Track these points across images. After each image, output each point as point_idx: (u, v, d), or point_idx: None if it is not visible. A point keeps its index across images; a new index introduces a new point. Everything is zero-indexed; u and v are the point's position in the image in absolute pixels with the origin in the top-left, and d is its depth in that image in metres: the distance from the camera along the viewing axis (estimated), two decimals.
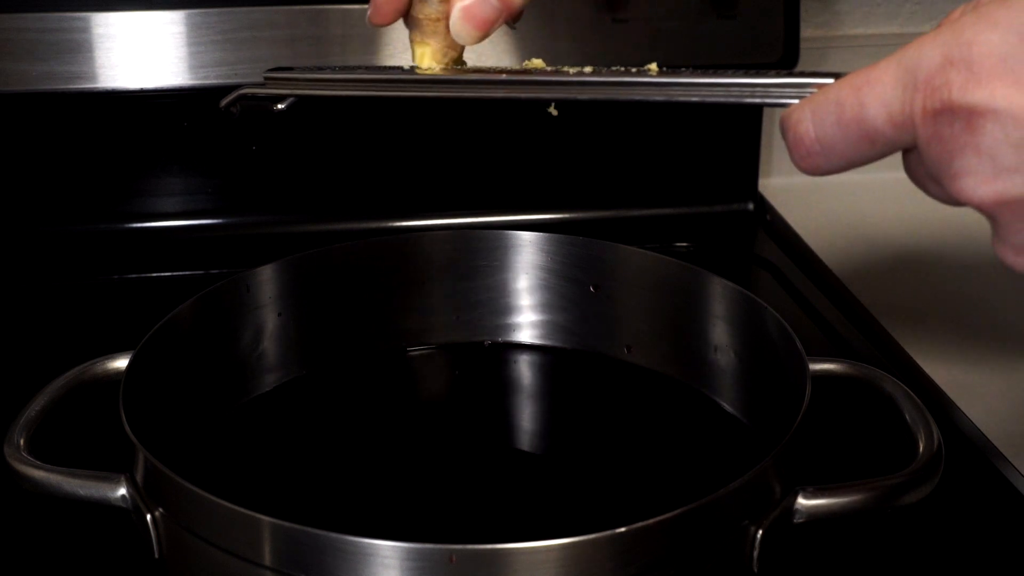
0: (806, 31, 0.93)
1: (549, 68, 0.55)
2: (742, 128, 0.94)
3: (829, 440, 0.64)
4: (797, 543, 0.54)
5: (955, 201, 0.43)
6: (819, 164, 0.45)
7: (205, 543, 0.51)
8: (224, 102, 0.60)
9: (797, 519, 0.53)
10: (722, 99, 0.49)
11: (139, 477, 0.54)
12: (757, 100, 0.49)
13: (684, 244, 0.92)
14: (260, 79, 0.60)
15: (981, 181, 0.41)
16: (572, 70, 0.53)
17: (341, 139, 0.89)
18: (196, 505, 0.51)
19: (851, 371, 0.62)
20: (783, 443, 0.53)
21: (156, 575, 0.55)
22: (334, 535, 0.48)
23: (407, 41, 0.85)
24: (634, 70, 0.52)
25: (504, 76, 0.54)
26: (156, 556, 0.54)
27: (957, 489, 0.62)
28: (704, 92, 0.50)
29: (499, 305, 0.73)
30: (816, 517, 0.53)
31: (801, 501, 0.53)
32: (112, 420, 0.55)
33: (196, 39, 0.82)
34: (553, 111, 0.56)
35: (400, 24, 0.83)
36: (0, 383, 0.72)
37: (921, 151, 0.42)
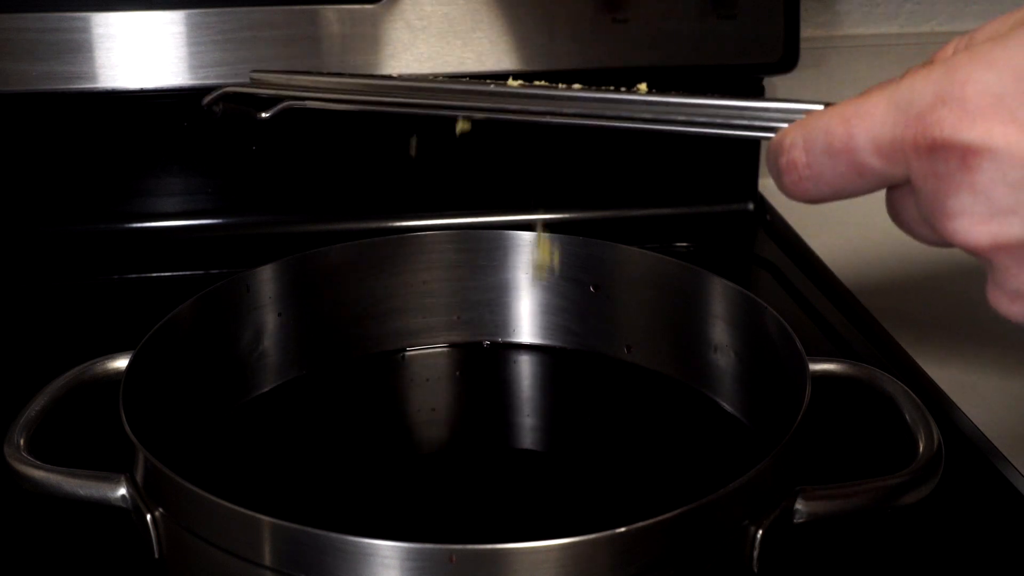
0: (806, 31, 0.93)
1: (539, 83, 0.54)
2: None
3: (829, 440, 0.64)
4: (797, 543, 0.54)
5: (946, 243, 0.42)
6: (808, 190, 0.44)
7: (205, 543, 0.51)
8: (206, 100, 0.59)
9: (797, 519, 0.53)
10: (709, 120, 0.49)
11: (139, 477, 0.54)
12: (744, 123, 0.48)
13: (684, 244, 0.92)
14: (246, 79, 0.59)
15: (976, 222, 0.40)
16: (561, 86, 0.53)
17: (341, 139, 0.89)
18: (196, 505, 0.51)
19: (851, 371, 0.62)
20: (783, 443, 0.53)
21: (156, 575, 0.55)
22: (334, 535, 0.48)
23: (406, 42, 0.85)
24: (623, 89, 0.51)
25: (492, 87, 0.54)
26: (156, 556, 0.54)
27: (957, 489, 0.62)
28: (692, 111, 0.50)
29: (499, 305, 0.73)
30: (816, 517, 0.53)
31: (801, 501, 0.53)
32: (112, 420, 0.55)
33: (196, 39, 0.82)
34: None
35: (400, 25, 0.83)
36: (0, 383, 0.72)
37: (915, 187, 0.42)
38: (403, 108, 0.56)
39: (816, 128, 0.43)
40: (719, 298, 0.67)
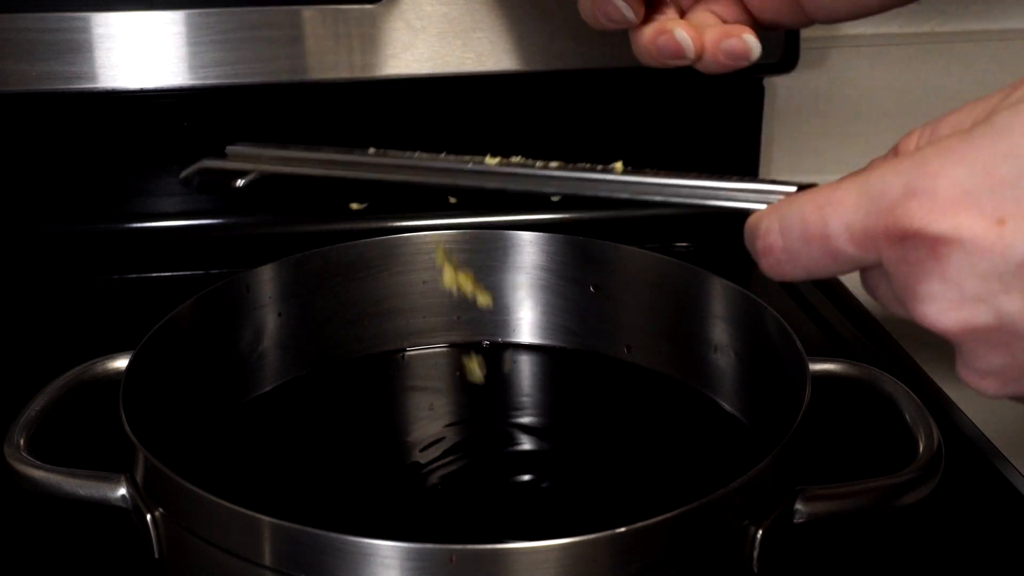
0: (806, 31, 0.93)
1: (517, 159, 0.54)
2: (742, 128, 0.94)
3: (829, 440, 0.64)
4: (797, 543, 0.54)
5: (918, 323, 0.44)
6: (786, 273, 0.46)
7: (205, 543, 0.51)
8: (184, 174, 0.59)
9: (797, 519, 0.53)
10: (683, 200, 0.50)
11: (139, 477, 0.54)
12: (718, 202, 0.50)
13: (684, 244, 0.92)
14: (224, 154, 0.59)
15: (946, 308, 0.42)
16: (539, 163, 0.53)
17: (341, 138, 0.89)
18: (196, 505, 0.51)
19: (851, 371, 0.62)
20: (783, 443, 0.53)
21: (156, 575, 0.55)
22: (334, 535, 0.48)
23: (406, 42, 0.85)
24: (599, 168, 0.52)
25: (471, 166, 0.54)
26: (156, 556, 0.54)
27: (957, 489, 0.62)
28: (667, 191, 0.51)
29: (499, 305, 0.73)
30: (816, 517, 0.53)
31: (801, 501, 0.53)
32: (112, 420, 0.55)
33: (196, 39, 0.82)
34: (554, 199, 0.57)
35: (401, 25, 0.84)
36: (0, 383, 0.72)
37: (887, 272, 0.43)
38: (381, 177, 0.57)
39: (791, 214, 0.45)
40: (719, 298, 0.67)
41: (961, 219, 0.40)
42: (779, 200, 0.47)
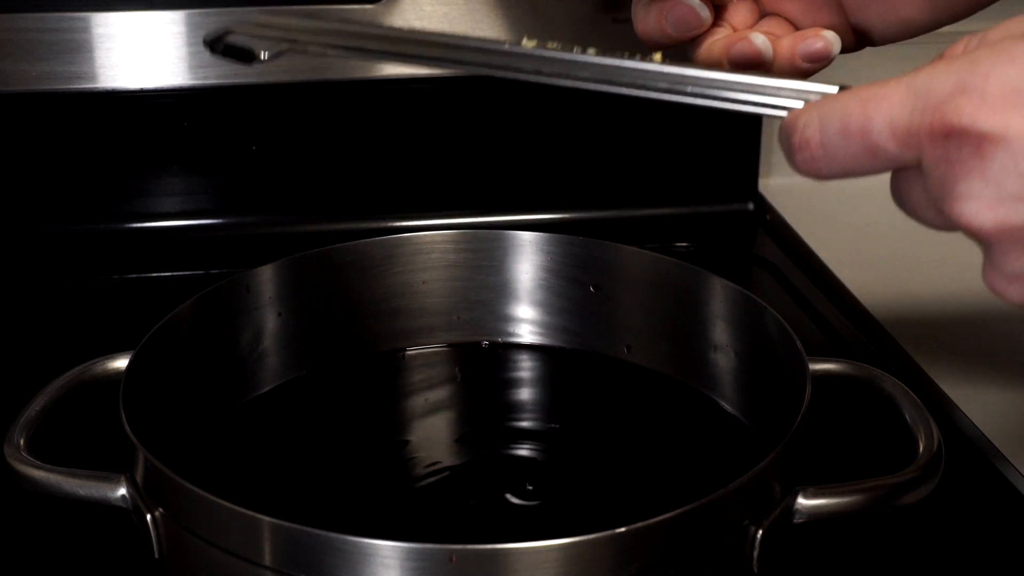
0: None
1: (553, 45, 0.52)
2: (742, 128, 0.94)
3: (829, 440, 0.64)
4: (797, 543, 0.54)
5: (950, 226, 0.44)
6: (820, 169, 0.45)
7: (205, 543, 0.51)
8: (208, 36, 0.56)
9: (797, 519, 0.53)
10: (722, 93, 0.49)
11: (139, 477, 0.54)
12: (758, 98, 0.49)
13: (684, 244, 0.92)
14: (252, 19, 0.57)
15: (984, 206, 0.42)
16: (576, 49, 0.52)
17: (341, 138, 0.89)
18: (196, 505, 0.51)
19: (851, 371, 0.62)
20: (783, 443, 0.53)
21: (156, 575, 0.55)
22: (334, 535, 0.48)
23: None
24: (638, 56, 0.51)
25: (507, 47, 0.52)
26: (156, 556, 0.54)
27: (957, 489, 0.62)
28: (705, 83, 0.49)
29: (499, 305, 0.73)
30: (816, 517, 0.53)
31: (801, 501, 0.53)
32: (112, 420, 0.55)
33: (196, 39, 0.82)
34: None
35: (400, 24, 0.83)
36: (0, 383, 0.72)
37: (926, 171, 0.43)
38: (410, 61, 0.55)
39: (832, 109, 0.44)
40: (719, 298, 0.67)
41: (1010, 117, 0.41)
42: (819, 99, 0.46)
